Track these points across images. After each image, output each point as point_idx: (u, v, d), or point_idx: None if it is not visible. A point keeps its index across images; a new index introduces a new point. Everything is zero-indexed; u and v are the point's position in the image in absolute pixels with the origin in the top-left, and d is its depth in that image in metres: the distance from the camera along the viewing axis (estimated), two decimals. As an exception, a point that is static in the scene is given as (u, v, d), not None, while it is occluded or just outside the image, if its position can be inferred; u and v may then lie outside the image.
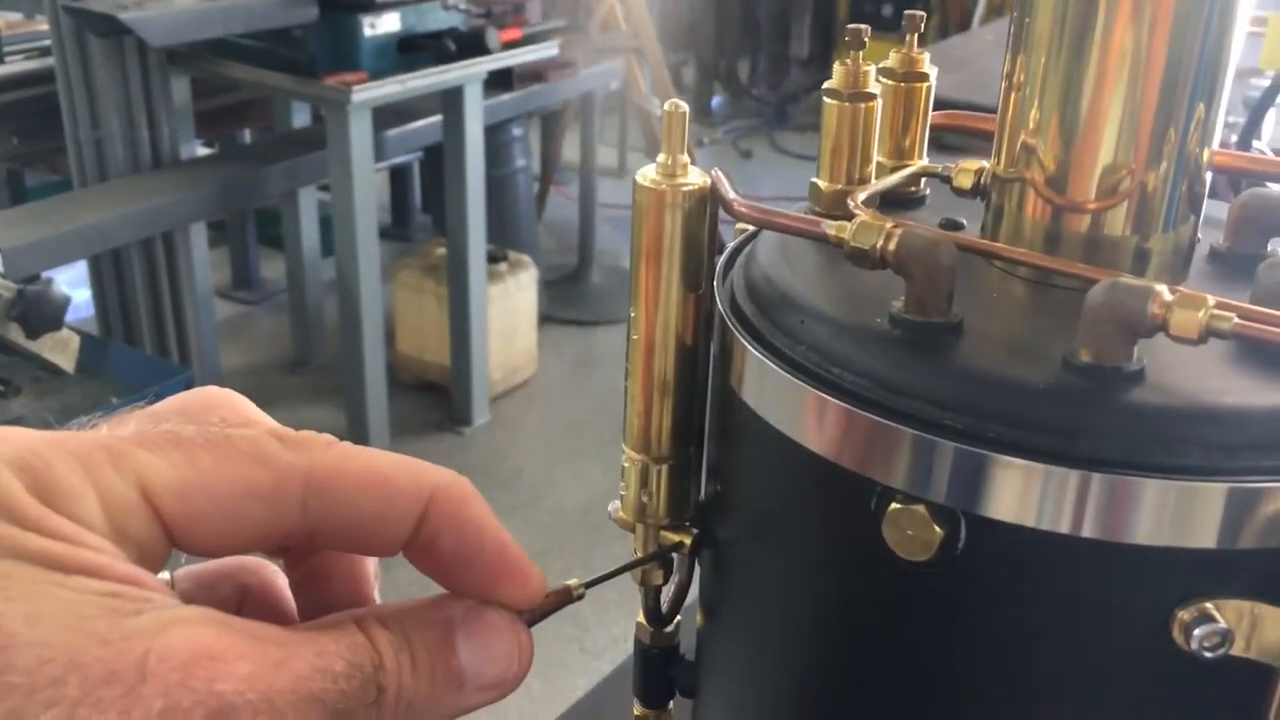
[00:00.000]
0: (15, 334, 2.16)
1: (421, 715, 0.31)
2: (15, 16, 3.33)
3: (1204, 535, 0.33)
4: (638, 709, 0.52)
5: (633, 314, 0.43)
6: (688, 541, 0.45)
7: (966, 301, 0.37)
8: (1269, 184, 0.44)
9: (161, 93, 2.74)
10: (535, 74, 3.28)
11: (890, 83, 0.46)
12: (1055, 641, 0.35)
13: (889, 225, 0.36)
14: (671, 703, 0.51)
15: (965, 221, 0.45)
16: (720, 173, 0.41)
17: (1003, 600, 0.36)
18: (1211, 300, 0.33)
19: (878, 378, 0.36)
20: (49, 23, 2.68)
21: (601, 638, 2.36)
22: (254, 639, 0.28)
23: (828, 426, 0.36)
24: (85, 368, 2.29)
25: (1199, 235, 0.42)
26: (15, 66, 3.01)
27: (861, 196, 0.42)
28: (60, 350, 2.23)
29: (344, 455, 0.31)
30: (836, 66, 0.43)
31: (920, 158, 0.48)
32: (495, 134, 3.36)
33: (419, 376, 3.26)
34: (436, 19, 2.85)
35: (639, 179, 0.41)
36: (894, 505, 0.35)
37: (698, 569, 0.47)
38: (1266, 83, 1.29)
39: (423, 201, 4.24)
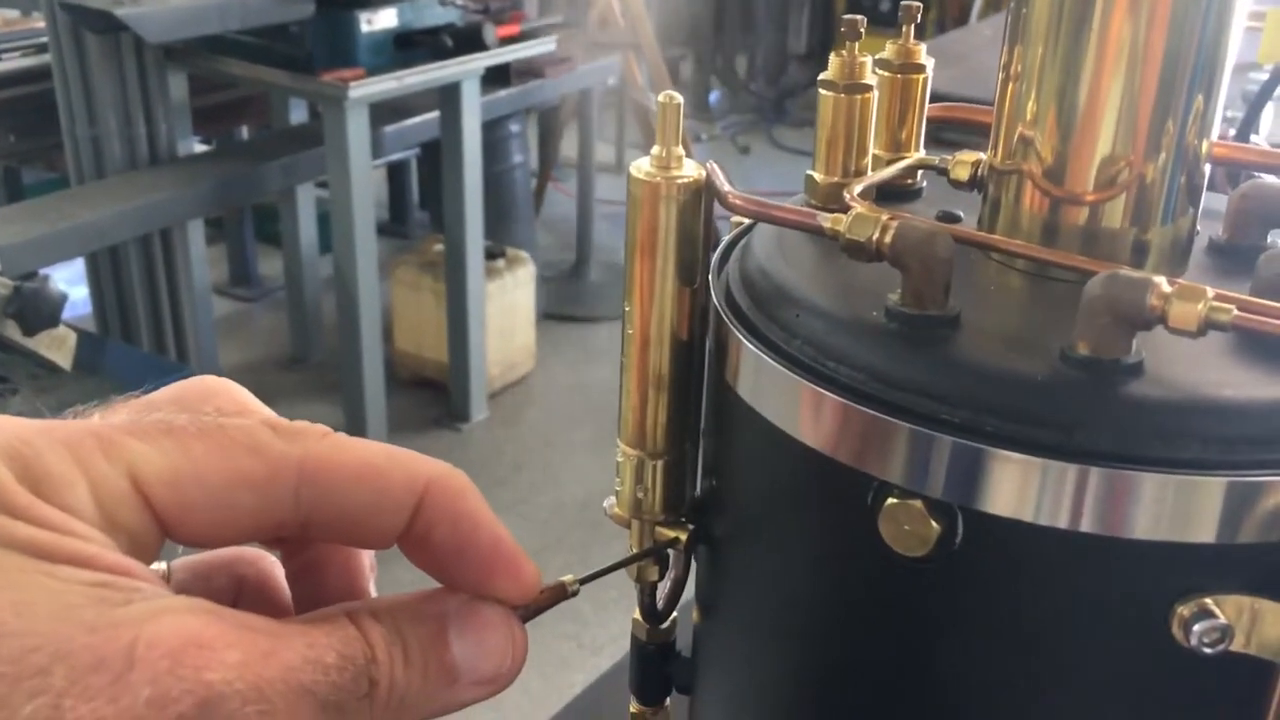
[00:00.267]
0: (12, 331, 2.16)
1: (414, 709, 0.31)
2: (12, 13, 3.32)
3: (1203, 530, 0.33)
4: (634, 706, 0.51)
5: (627, 308, 0.42)
6: (683, 537, 0.45)
7: (963, 295, 0.37)
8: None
9: (158, 89, 2.74)
10: (533, 70, 3.27)
11: (886, 74, 0.46)
12: (1053, 637, 0.35)
13: (885, 217, 0.36)
14: (669, 699, 0.51)
15: (962, 214, 0.45)
16: (715, 165, 0.41)
17: (1000, 596, 0.35)
18: (1211, 292, 0.32)
19: (874, 371, 0.36)
20: (45, 19, 2.67)
21: (600, 635, 2.36)
22: (244, 629, 0.28)
23: (823, 421, 0.36)
24: (82, 365, 2.28)
25: (1198, 227, 0.42)
26: (12, 63, 3.01)
27: (857, 189, 0.42)
28: (57, 347, 2.23)
29: (338, 446, 0.31)
30: (832, 58, 0.43)
31: (917, 150, 0.47)
32: (493, 130, 3.35)
33: (417, 373, 3.26)
34: (433, 15, 2.84)
35: (633, 171, 0.40)
36: (890, 500, 0.35)
37: (694, 565, 0.47)
38: (1264, 77, 1.29)
39: (420, 198, 4.23)
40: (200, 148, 3.13)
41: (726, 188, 0.40)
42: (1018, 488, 0.33)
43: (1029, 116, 0.40)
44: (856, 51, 0.42)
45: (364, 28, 2.68)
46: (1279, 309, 0.34)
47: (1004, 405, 0.34)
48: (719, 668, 0.46)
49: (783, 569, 0.40)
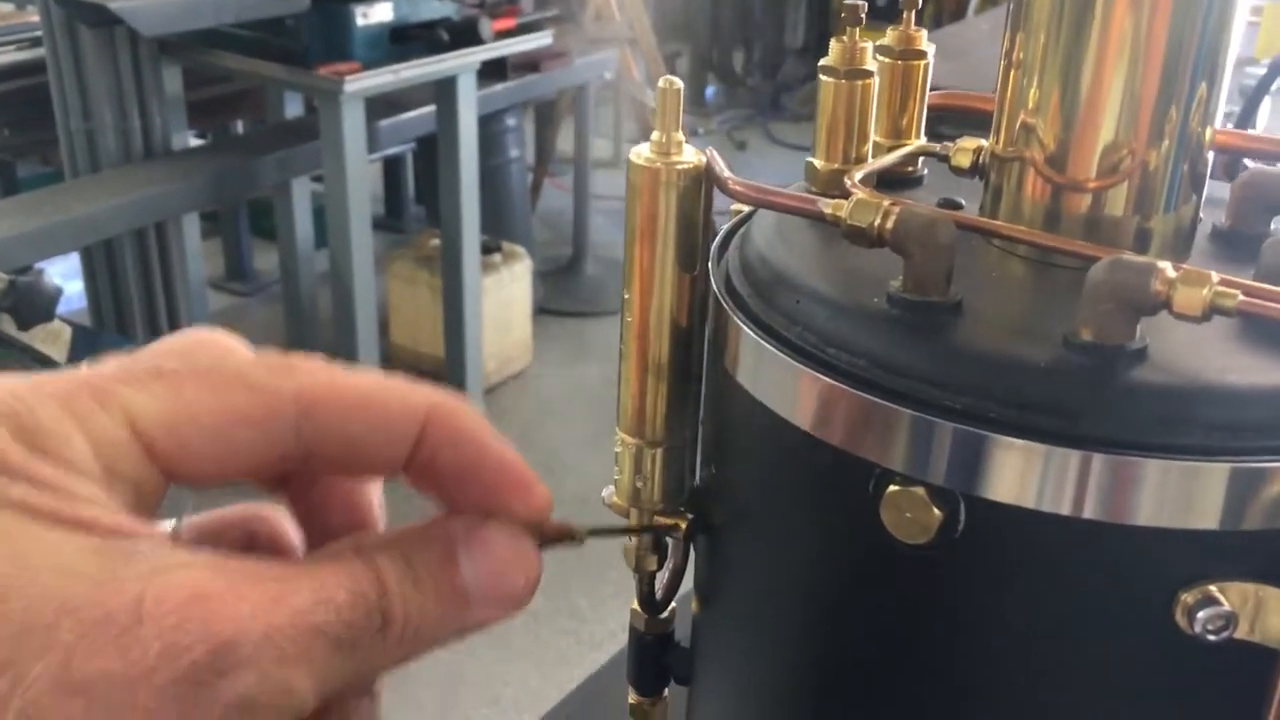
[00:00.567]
0: (7, 325, 2.15)
1: (430, 636, 0.31)
2: (6, 7, 3.31)
3: (1207, 516, 0.32)
4: (632, 697, 0.51)
5: (626, 295, 0.42)
6: (683, 526, 0.44)
7: (965, 281, 0.37)
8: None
9: (153, 83, 2.73)
10: (529, 64, 3.26)
11: (887, 61, 0.46)
12: (1056, 625, 0.35)
13: (886, 203, 0.36)
14: (667, 690, 0.51)
15: (964, 201, 0.45)
16: (715, 151, 0.41)
17: (1002, 583, 0.35)
18: (1216, 277, 0.32)
19: (875, 358, 0.35)
20: (39, 13, 2.66)
21: (598, 630, 2.36)
22: (251, 577, 0.27)
23: (824, 408, 0.36)
24: (77, 359, 2.27)
25: (1200, 215, 0.41)
26: (6, 57, 2.99)
27: (858, 175, 0.41)
28: (52, 341, 2.22)
29: (334, 378, 0.31)
30: (833, 43, 0.42)
31: (918, 137, 0.47)
32: (489, 124, 3.34)
33: (413, 367, 3.25)
34: (429, 8, 2.83)
35: (633, 157, 0.40)
36: (892, 487, 0.34)
37: (692, 554, 0.47)
38: (1262, 71, 1.29)
39: (416, 192, 4.23)
40: (195, 142, 3.12)
41: (726, 174, 0.40)
42: (1020, 474, 0.33)
43: (1031, 103, 0.39)
44: (858, 37, 0.42)
45: (359, 21, 2.67)
46: (1284, 294, 0.33)
47: (1006, 391, 0.33)
48: (718, 658, 0.46)
49: (782, 558, 0.40)
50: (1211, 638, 0.32)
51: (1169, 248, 0.40)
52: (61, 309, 2.25)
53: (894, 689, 0.38)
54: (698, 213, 0.40)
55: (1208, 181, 0.41)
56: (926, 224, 0.35)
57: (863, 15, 0.42)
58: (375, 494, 0.35)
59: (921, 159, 0.47)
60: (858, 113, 0.43)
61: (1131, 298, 0.32)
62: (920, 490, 0.34)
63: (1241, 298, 0.32)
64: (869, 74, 0.42)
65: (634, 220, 0.41)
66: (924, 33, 0.46)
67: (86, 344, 2.35)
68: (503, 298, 3.21)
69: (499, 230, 3.40)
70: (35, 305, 2.16)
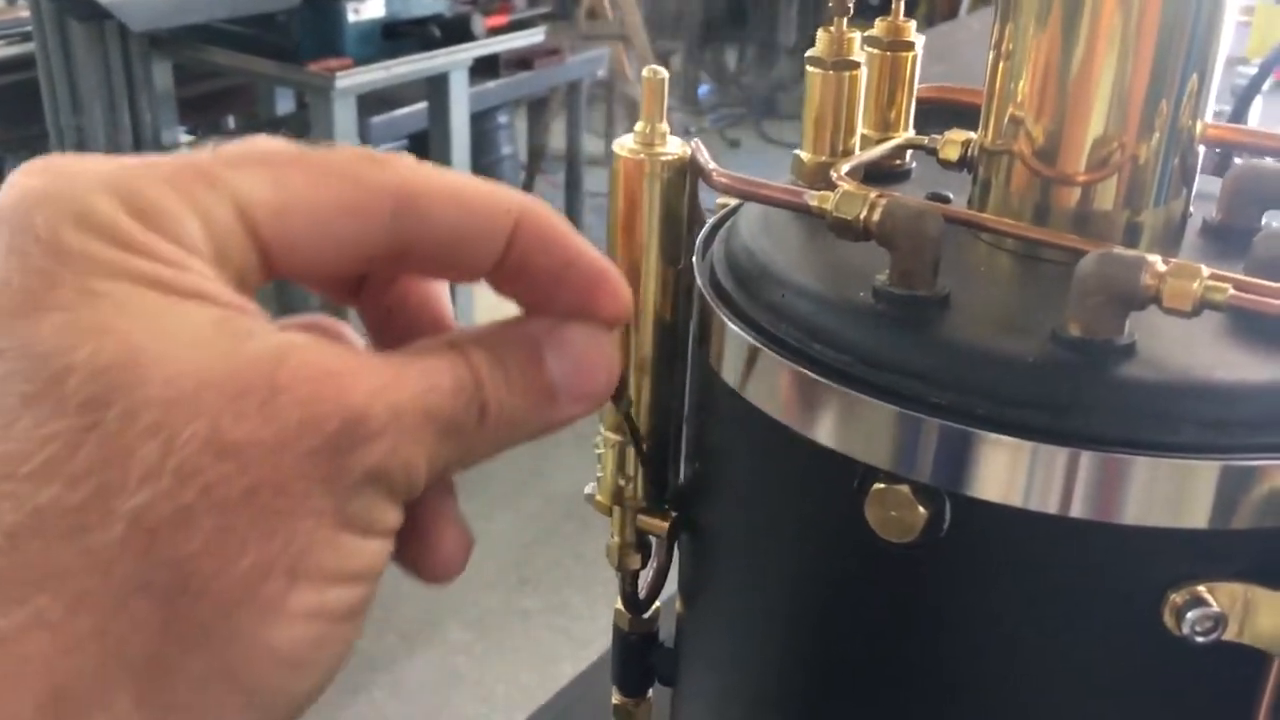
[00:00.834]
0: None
1: (519, 431, 0.31)
2: (-4, 2, 3.30)
3: (1197, 515, 0.32)
4: (617, 697, 0.51)
5: (609, 289, 0.41)
6: (666, 525, 0.44)
7: (953, 275, 0.36)
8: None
9: (143, 78, 2.72)
10: (521, 61, 3.26)
11: (875, 52, 0.45)
12: (1043, 625, 0.34)
13: (873, 195, 0.35)
14: (651, 691, 0.50)
15: (952, 195, 0.44)
16: (700, 143, 0.40)
17: (989, 582, 0.34)
18: (1206, 271, 0.31)
19: (860, 353, 0.35)
20: (30, 7, 2.65)
21: (590, 628, 2.35)
22: (370, 357, 0.28)
23: (808, 404, 0.35)
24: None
25: (1191, 209, 0.41)
26: (-4, 52, 2.98)
27: (845, 168, 0.41)
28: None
29: (433, 174, 0.30)
30: (820, 34, 0.42)
31: (906, 130, 0.46)
32: (481, 121, 3.33)
33: (405, 365, 3.24)
34: (421, 5, 2.83)
35: (616, 148, 0.39)
36: (877, 485, 0.34)
37: (677, 553, 0.46)
38: (1254, 71, 1.28)
39: (409, 190, 4.21)
40: (186, 138, 3.11)
41: (711, 165, 0.39)
42: (1007, 472, 0.33)
43: (1020, 96, 0.39)
44: (845, 28, 0.41)
45: (351, 17, 2.66)
46: (1276, 288, 0.33)
47: (993, 387, 0.33)
48: (702, 657, 0.45)
49: (767, 556, 0.39)
50: (1200, 639, 0.32)
51: (1159, 242, 0.39)
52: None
53: (879, 688, 0.38)
54: (681, 205, 0.40)
55: (1198, 175, 0.40)
56: (913, 217, 0.35)
57: (850, 5, 0.41)
58: (447, 298, 0.36)
59: (910, 152, 0.47)
60: (845, 104, 0.42)
61: (1120, 292, 0.32)
62: (905, 488, 0.33)
63: (1232, 292, 0.31)
64: (856, 65, 0.42)
65: (616, 212, 0.40)
66: (913, 24, 0.45)
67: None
68: (494, 295, 3.20)
69: (491, 228, 3.39)
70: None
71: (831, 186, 0.38)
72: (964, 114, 0.45)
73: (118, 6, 2.41)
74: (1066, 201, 0.39)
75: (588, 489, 0.45)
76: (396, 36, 2.75)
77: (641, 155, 0.38)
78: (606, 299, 0.33)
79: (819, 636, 0.39)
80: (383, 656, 2.22)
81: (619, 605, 0.48)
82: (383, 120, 2.95)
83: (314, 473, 0.26)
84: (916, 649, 0.36)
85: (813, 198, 0.37)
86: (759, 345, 0.37)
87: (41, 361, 0.24)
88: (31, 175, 0.27)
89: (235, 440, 0.25)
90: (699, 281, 0.41)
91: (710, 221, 0.45)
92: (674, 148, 0.39)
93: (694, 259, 0.41)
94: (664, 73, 0.38)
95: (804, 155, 0.43)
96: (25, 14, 2.81)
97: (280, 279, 0.30)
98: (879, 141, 0.45)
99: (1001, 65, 0.39)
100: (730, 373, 0.39)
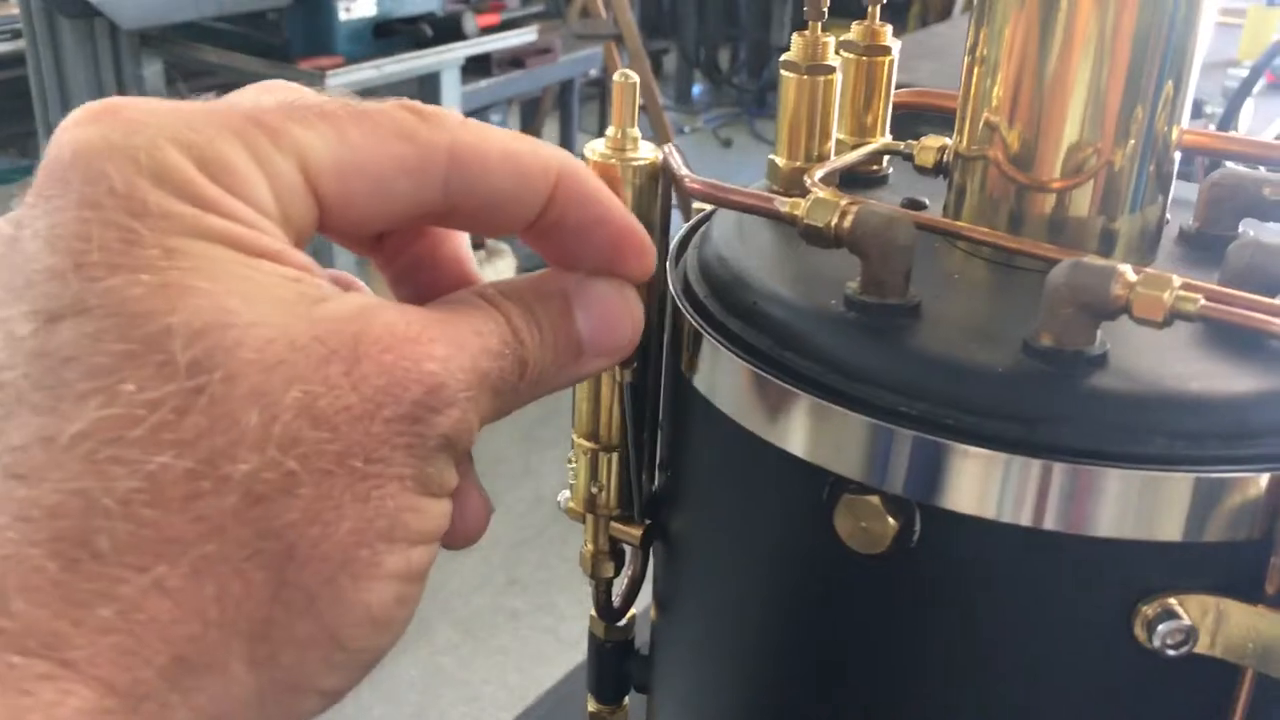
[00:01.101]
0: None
1: (547, 385, 0.32)
2: (-14, -1, 3.29)
3: (1169, 527, 0.31)
4: (592, 705, 0.50)
5: (581, 296, 0.41)
6: (639, 533, 0.43)
7: (926, 283, 0.36)
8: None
9: (134, 76, 2.70)
10: (514, 60, 3.25)
11: (851, 56, 0.45)
12: (1013, 637, 0.34)
13: (844, 202, 0.35)
14: (627, 699, 0.50)
15: (928, 201, 0.44)
16: (673, 148, 0.39)
17: (958, 594, 0.34)
18: (1177, 281, 0.31)
19: (830, 362, 0.34)
20: (19, 4, 2.64)
21: (576, 629, 2.35)
22: (429, 318, 0.28)
23: (778, 413, 0.35)
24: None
25: (1168, 216, 0.40)
26: (-15, 49, 2.97)
27: (819, 174, 0.40)
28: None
29: (480, 132, 0.30)
30: (795, 38, 0.41)
31: (883, 135, 0.46)
32: (473, 121, 3.33)
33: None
34: (413, 3, 2.82)
35: (587, 153, 0.39)
36: (846, 495, 0.33)
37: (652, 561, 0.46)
38: (1245, 73, 1.29)
39: (401, 189, 4.21)
40: (177, 136, 3.10)
41: (683, 171, 0.39)
42: (978, 483, 0.32)
43: (995, 101, 0.38)
44: (820, 32, 0.41)
45: (342, 15, 2.66)
46: (1248, 299, 0.33)
47: (964, 398, 0.32)
48: (675, 665, 0.45)
49: (737, 565, 0.39)
50: (1171, 652, 0.32)
51: (1134, 250, 0.39)
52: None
53: (849, 699, 0.37)
54: (654, 211, 0.39)
55: (1174, 182, 0.40)
56: (884, 224, 0.34)
57: (824, 10, 0.41)
58: (470, 250, 0.36)
59: (888, 158, 0.46)
60: (820, 109, 0.42)
61: (1091, 301, 0.31)
62: (875, 499, 0.33)
63: (1203, 302, 0.31)
64: (831, 69, 0.41)
65: (587, 218, 0.39)
66: (889, 28, 0.45)
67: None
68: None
69: (483, 227, 3.38)
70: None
71: (806, 192, 0.38)
72: (949, 119, 0.45)
73: (107, 4, 2.40)
74: (1041, 208, 0.38)
75: (560, 497, 0.45)
76: (388, 35, 2.75)
77: (613, 160, 0.38)
78: (634, 256, 0.33)
79: (790, 646, 0.39)
80: (371, 657, 2.22)
81: (593, 613, 0.48)
82: (374, 119, 2.94)
83: (397, 439, 0.26)
84: (887, 660, 0.36)
85: (784, 204, 0.36)
86: (730, 353, 0.36)
87: (136, 322, 0.24)
88: (86, 124, 0.26)
89: (331, 407, 0.25)
90: (672, 288, 0.40)
91: (684, 228, 0.44)
92: (646, 153, 0.38)
93: (667, 265, 0.41)
94: (635, 77, 0.38)
95: (779, 160, 0.43)
96: (15, 11, 2.80)
97: (326, 234, 0.30)
98: (855, 147, 0.45)
99: (976, 70, 0.39)
100: (701, 380, 0.38)
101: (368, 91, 2.79)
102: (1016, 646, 0.34)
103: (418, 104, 0.30)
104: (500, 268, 3.24)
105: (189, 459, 0.24)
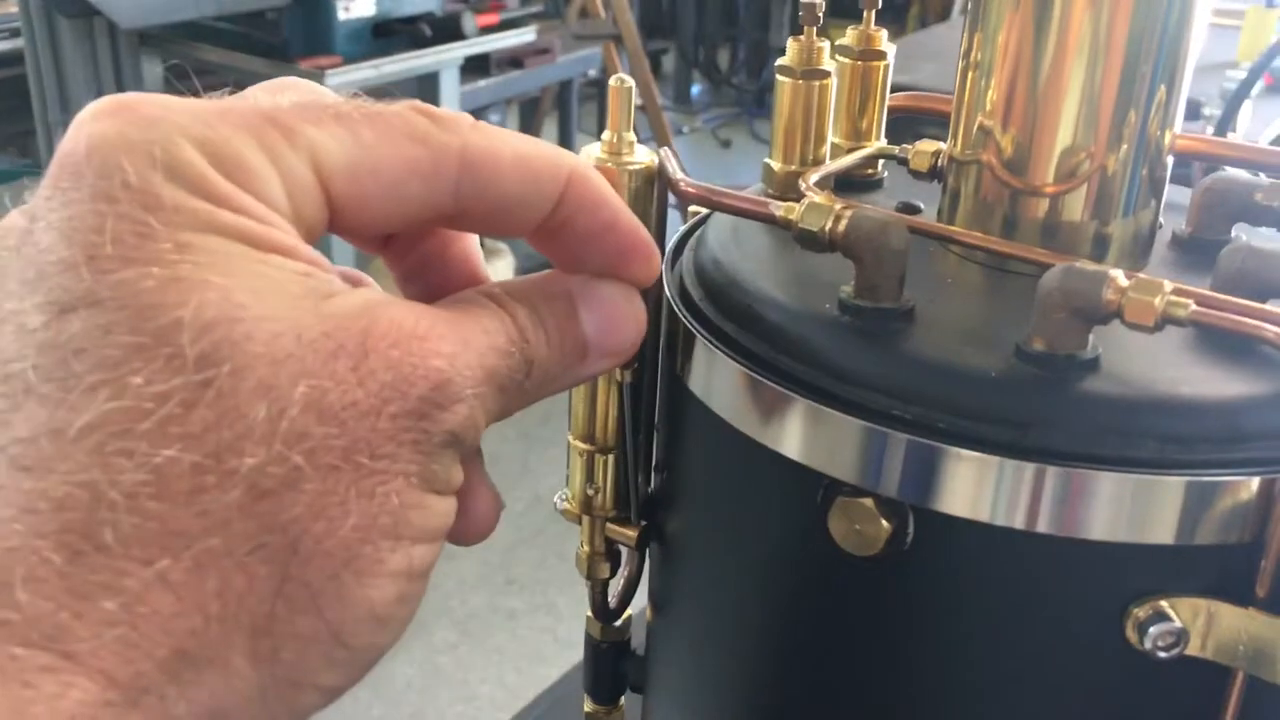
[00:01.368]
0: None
1: (552, 385, 0.32)
2: (-15, -2, 3.28)
3: (1161, 531, 0.32)
4: (589, 705, 0.50)
5: (577, 298, 0.41)
6: (635, 534, 0.43)
7: (920, 287, 0.36)
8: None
9: (133, 76, 2.70)
10: (513, 60, 3.25)
11: (846, 61, 0.45)
12: (1005, 639, 0.34)
13: (838, 207, 0.35)
14: (623, 699, 0.50)
15: (923, 205, 0.44)
16: (668, 151, 0.40)
17: (953, 597, 0.34)
18: (1168, 286, 0.31)
19: (825, 365, 0.34)
20: (18, 4, 2.64)
21: (574, 629, 2.35)
22: (437, 315, 0.28)
23: (773, 416, 0.35)
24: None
25: (1161, 221, 0.41)
26: (-16, 48, 2.97)
27: (814, 178, 0.40)
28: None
29: (492, 136, 0.31)
30: (790, 43, 0.42)
31: (878, 139, 0.46)
32: (472, 121, 3.33)
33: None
34: (412, 3, 2.82)
35: (583, 157, 0.39)
36: (840, 498, 0.34)
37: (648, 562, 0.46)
38: (1243, 74, 1.29)
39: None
40: (176, 135, 3.10)
41: (678, 175, 0.39)
42: (971, 487, 0.32)
43: (989, 106, 0.39)
44: (815, 36, 0.41)
45: (341, 15, 2.66)
46: (1239, 304, 0.33)
47: (957, 402, 0.33)
48: (670, 666, 0.45)
49: (733, 567, 0.39)
50: (1162, 654, 0.32)
51: (1127, 254, 0.39)
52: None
53: (842, 701, 0.38)
54: (650, 214, 0.39)
55: (1168, 186, 0.40)
56: (878, 228, 0.34)
57: (820, 15, 0.41)
58: (479, 249, 0.36)
59: (883, 162, 0.47)
60: (815, 113, 0.42)
61: (1083, 306, 0.32)
62: (869, 501, 0.33)
63: (1194, 307, 0.31)
64: (826, 74, 0.42)
65: (584, 222, 0.40)
66: (884, 32, 0.45)
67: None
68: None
69: (481, 227, 3.38)
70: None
71: (801, 196, 0.38)
72: (945, 123, 0.45)
73: (106, 3, 2.40)
74: (1035, 212, 0.39)
75: (557, 498, 0.45)
76: (387, 35, 2.75)
77: (609, 164, 0.38)
78: (640, 260, 0.34)
79: (784, 648, 0.39)
80: (369, 656, 2.22)
81: (590, 614, 0.48)
82: (373, 119, 2.94)
83: (402, 435, 0.26)
84: (881, 662, 0.36)
85: (778, 208, 0.36)
86: (725, 356, 0.36)
87: (145, 314, 0.24)
88: (102, 118, 0.26)
89: (339, 402, 0.25)
90: (667, 291, 0.40)
91: (680, 231, 0.45)
92: (641, 156, 0.39)
93: (662, 268, 0.41)
94: (630, 81, 0.38)
95: (774, 164, 0.43)
96: (14, 10, 2.80)
97: (337, 233, 0.30)
98: (850, 151, 0.45)
99: (970, 75, 0.39)
100: (697, 383, 0.38)
101: (368, 91, 2.80)
102: (1009, 648, 0.34)
103: (430, 107, 0.30)
104: (499, 268, 3.24)
105: (195, 452, 0.24)
